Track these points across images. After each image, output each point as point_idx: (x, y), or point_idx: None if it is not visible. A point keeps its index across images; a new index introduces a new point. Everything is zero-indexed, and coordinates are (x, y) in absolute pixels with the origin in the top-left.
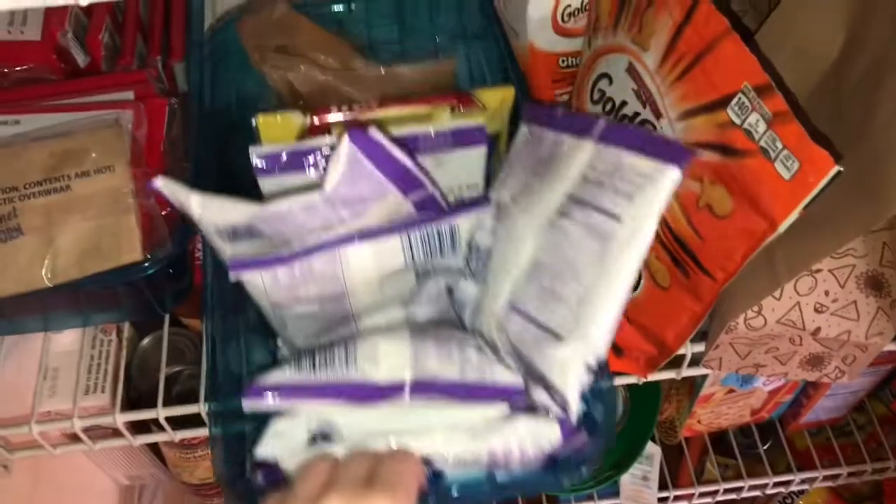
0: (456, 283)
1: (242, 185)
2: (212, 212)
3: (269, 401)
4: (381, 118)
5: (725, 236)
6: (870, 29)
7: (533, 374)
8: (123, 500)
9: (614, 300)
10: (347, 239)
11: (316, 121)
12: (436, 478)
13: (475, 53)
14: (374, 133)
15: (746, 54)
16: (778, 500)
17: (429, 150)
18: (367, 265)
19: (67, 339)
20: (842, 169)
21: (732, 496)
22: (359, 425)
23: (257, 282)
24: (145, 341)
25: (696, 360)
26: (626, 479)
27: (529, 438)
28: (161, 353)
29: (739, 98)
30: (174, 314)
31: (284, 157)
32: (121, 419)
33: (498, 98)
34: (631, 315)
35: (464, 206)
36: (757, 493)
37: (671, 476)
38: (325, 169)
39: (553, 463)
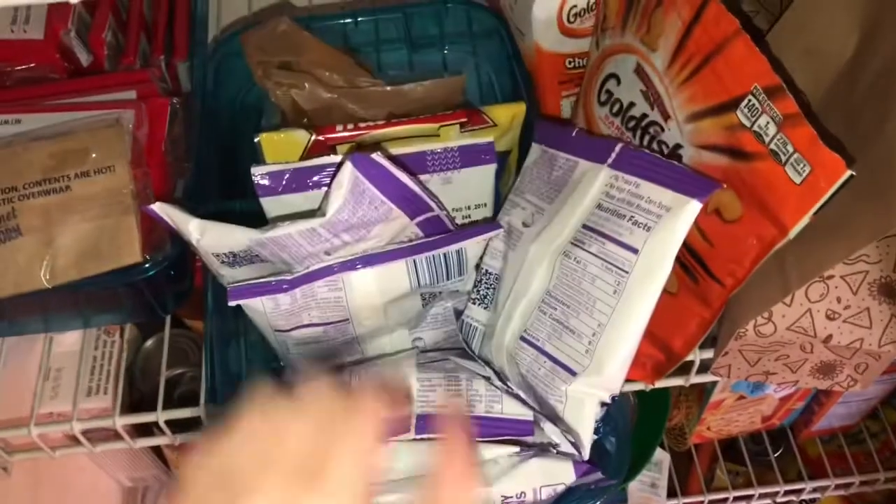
0: (463, 306)
1: (244, 186)
2: (210, 238)
3: None
4: (388, 136)
5: (734, 241)
6: (884, 31)
7: (545, 409)
8: (126, 503)
9: (630, 335)
10: (350, 265)
11: (320, 139)
12: None
13: (482, 54)
14: (377, 157)
15: (757, 55)
16: None
17: (436, 168)
18: (371, 290)
19: (70, 340)
20: (854, 173)
21: None
22: None
23: (258, 307)
24: (149, 343)
25: (704, 367)
26: (634, 487)
27: (543, 480)
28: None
29: (749, 100)
30: (177, 315)
31: (287, 177)
32: (120, 422)
33: (509, 114)
34: None
35: (472, 229)
36: (768, 501)
37: (680, 483)
38: (326, 192)
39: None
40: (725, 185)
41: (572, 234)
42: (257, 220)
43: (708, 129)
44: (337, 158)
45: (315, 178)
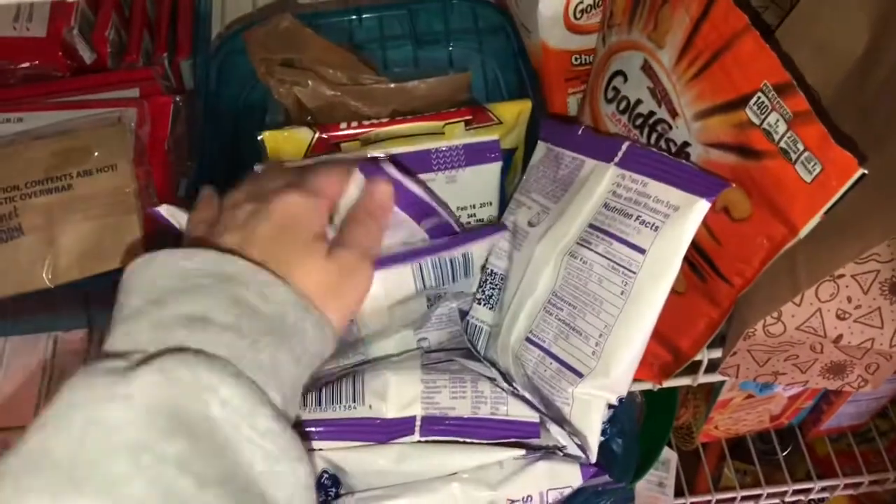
0: (468, 307)
1: None
2: None
3: None
4: (392, 133)
5: (743, 241)
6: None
7: (551, 411)
8: None
9: (637, 337)
10: None
11: (324, 136)
12: None
13: (487, 51)
14: (386, 165)
15: (766, 52)
16: None
17: (441, 166)
18: (377, 293)
19: (75, 338)
20: (866, 172)
21: (750, 503)
22: (368, 469)
23: None
24: None
25: (713, 367)
26: (641, 486)
27: (549, 483)
28: None
29: (759, 97)
30: None
31: None
32: None
33: (514, 112)
34: None
35: (477, 231)
36: (776, 500)
37: (688, 482)
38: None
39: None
40: (734, 185)
41: (579, 234)
42: None
43: (716, 126)
44: (341, 156)
45: None
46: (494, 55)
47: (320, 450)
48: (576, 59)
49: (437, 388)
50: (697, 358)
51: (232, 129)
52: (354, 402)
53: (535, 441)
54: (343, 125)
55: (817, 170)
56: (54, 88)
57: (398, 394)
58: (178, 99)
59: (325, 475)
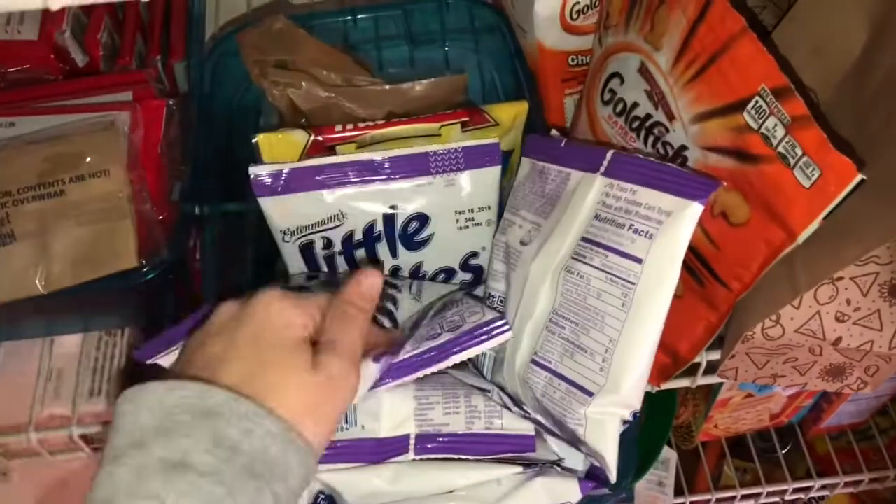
0: None
1: (243, 188)
2: None
3: None
4: (388, 135)
5: (741, 245)
6: (894, 28)
7: (564, 433)
8: None
9: (644, 348)
10: None
11: (319, 139)
12: None
13: (484, 51)
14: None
15: (764, 55)
16: None
17: (439, 169)
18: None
19: (71, 341)
20: (865, 177)
21: (751, 502)
22: (363, 490)
23: None
24: None
25: (711, 368)
26: (641, 485)
27: (548, 499)
28: None
29: (756, 101)
30: (178, 319)
31: (285, 176)
32: None
33: (511, 113)
34: None
35: (475, 332)
36: (776, 499)
37: (687, 481)
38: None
39: None
40: (725, 184)
41: (572, 249)
42: (256, 222)
43: (714, 130)
44: (336, 159)
45: (315, 178)
46: (491, 56)
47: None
48: (572, 59)
49: (430, 404)
50: (696, 360)
51: (226, 131)
52: (346, 422)
53: (531, 455)
54: (338, 127)
55: (816, 175)
56: (46, 92)
57: (391, 412)
58: (171, 102)
59: (321, 496)
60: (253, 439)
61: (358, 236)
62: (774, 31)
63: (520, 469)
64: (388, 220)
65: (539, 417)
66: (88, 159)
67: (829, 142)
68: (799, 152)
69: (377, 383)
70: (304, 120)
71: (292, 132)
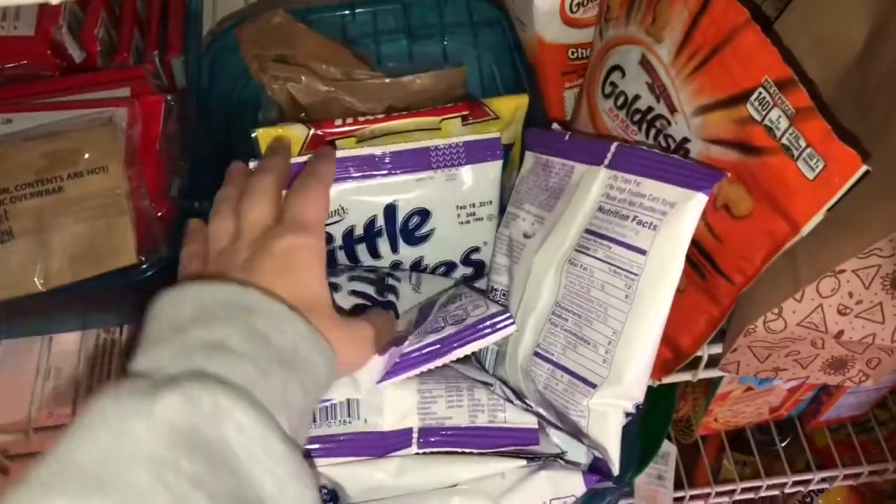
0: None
1: None
2: None
3: None
4: (388, 129)
5: (744, 238)
6: None
7: (567, 425)
8: None
9: (647, 340)
10: None
11: (319, 133)
12: None
13: (483, 45)
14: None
15: (767, 46)
16: (797, 499)
17: (440, 164)
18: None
19: (70, 339)
20: (869, 169)
21: (750, 495)
22: (366, 484)
23: None
24: None
25: (713, 362)
26: (641, 479)
27: (552, 493)
28: None
29: (760, 93)
30: None
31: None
32: None
33: (511, 107)
34: None
35: (477, 326)
36: (776, 492)
37: (687, 475)
38: None
39: None
40: (729, 175)
41: (576, 241)
42: None
43: (716, 122)
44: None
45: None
46: (490, 49)
47: (318, 467)
48: (572, 52)
49: (434, 397)
50: (698, 353)
51: (225, 126)
52: (349, 416)
53: (534, 448)
54: (338, 121)
55: (820, 166)
56: (43, 88)
57: (394, 405)
58: (169, 98)
59: (324, 490)
60: (284, 336)
61: (359, 231)
62: (776, 22)
63: (523, 462)
64: (389, 214)
65: (541, 410)
66: (86, 156)
67: (834, 133)
68: (803, 144)
69: (384, 377)
70: (303, 114)
71: (292, 126)
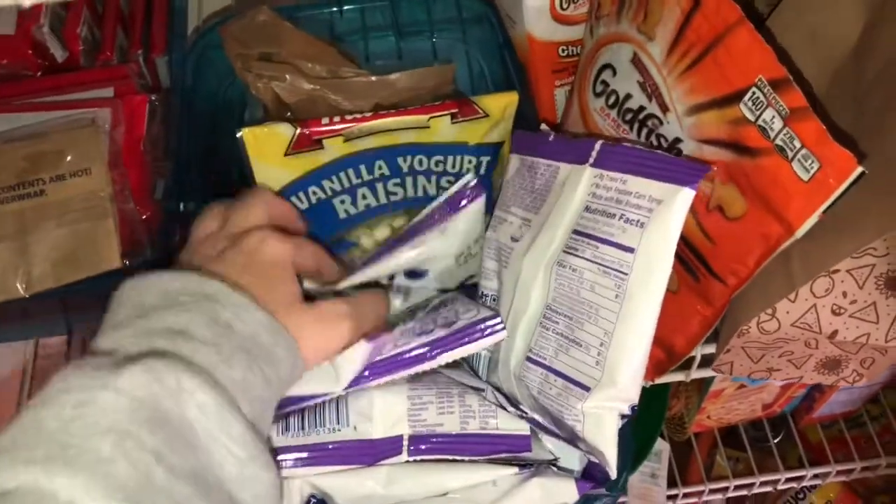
0: None
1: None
2: None
3: None
4: (376, 128)
5: (737, 240)
6: (892, 14)
7: (563, 430)
8: None
9: (639, 339)
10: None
11: (306, 132)
12: None
13: (472, 42)
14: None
15: (761, 45)
16: (790, 494)
17: (433, 224)
18: None
19: (57, 341)
20: (865, 171)
21: (743, 492)
22: (356, 493)
23: None
24: None
25: (706, 362)
26: (634, 478)
27: (544, 500)
28: None
29: (753, 92)
30: None
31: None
32: None
33: (501, 105)
34: None
35: (468, 331)
36: (768, 488)
37: (680, 472)
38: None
39: None
40: (715, 168)
41: (563, 242)
42: None
43: (709, 122)
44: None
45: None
46: (479, 46)
47: (306, 476)
48: (563, 50)
49: (424, 404)
50: (690, 354)
51: (210, 126)
52: (338, 423)
53: (527, 454)
54: (325, 120)
55: (815, 168)
56: (25, 89)
57: (384, 412)
58: (153, 97)
59: (313, 500)
60: (245, 324)
61: None
62: (769, 18)
63: (515, 470)
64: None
65: (537, 416)
66: (69, 158)
67: (829, 134)
68: (797, 145)
69: (370, 377)
70: (289, 113)
71: (278, 125)
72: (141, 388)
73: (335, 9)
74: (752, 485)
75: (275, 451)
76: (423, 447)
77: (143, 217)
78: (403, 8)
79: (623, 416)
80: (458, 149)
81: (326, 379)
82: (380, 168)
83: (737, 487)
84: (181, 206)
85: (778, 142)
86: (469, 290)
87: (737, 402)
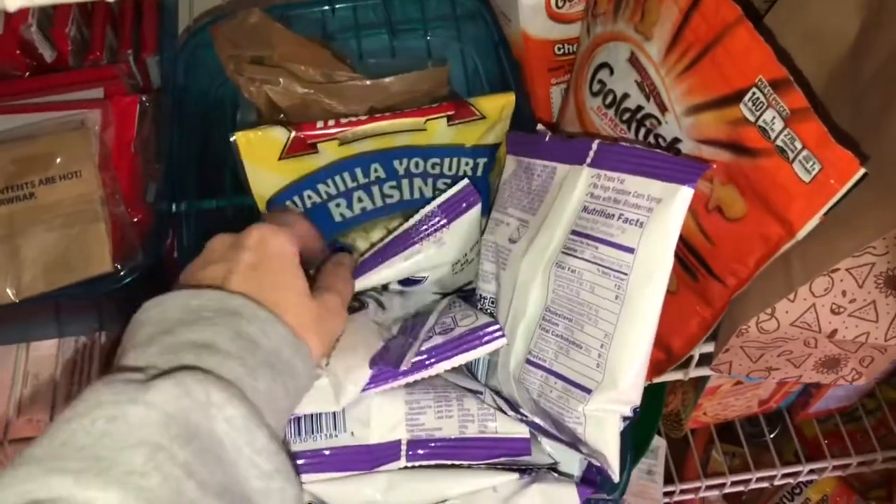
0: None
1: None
2: None
3: None
4: (372, 131)
5: (737, 241)
6: (889, 11)
7: (564, 433)
8: None
9: (640, 341)
10: None
11: (300, 136)
12: None
13: (467, 39)
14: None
15: (761, 45)
16: (786, 490)
17: (424, 236)
18: None
19: (48, 345)
20: (867, 172)
21: (740, 488)
22: (354, 501)
23: None
24: None
25: (704, 360)
26: (630, 475)
27: None
28: None
29: (753, 93)
30: None
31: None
32: None
33: (497, 106)
34: None
35: (467, 339)
36: (765, 484)
37: (677, 469)
38: None
39: None
40: (714, 166)
41: (562, 243)
42: (234, 219)
43: (708, 123)
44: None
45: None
46: (474, 44)
47: (304, 483)
48: (559, 48)
49: (422, 408)
50: None
51: (202, 126)
52: (336, 429)
53: (526, 458)
54: (319, 124)
55: (816, 169)
56: (13, 89)
57: (381, 418)
58: (144, 98)
59: None
60: (269, 339)
61: None
62: (767, 14)
63: (516, 476)
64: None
65: (537, 420)
66: (59, 160)
67: (830, 135)
68: (798, 146)
69: (368, 385)
70: (282, 116)
71: (272, 129)
72: (171, 402)
73: (327, 7)
74: (748, 480)
75: None
76: (421, 452)
77: (135, 220)
78: (396, 5)
79: (625, 419)
80: (454, 151)
81: (325, 400)
82: (376, 171)
83: (733, 483)
84: (173, 206)
85: (779, 143)
86: (467, 294)
87: (733, 398)
